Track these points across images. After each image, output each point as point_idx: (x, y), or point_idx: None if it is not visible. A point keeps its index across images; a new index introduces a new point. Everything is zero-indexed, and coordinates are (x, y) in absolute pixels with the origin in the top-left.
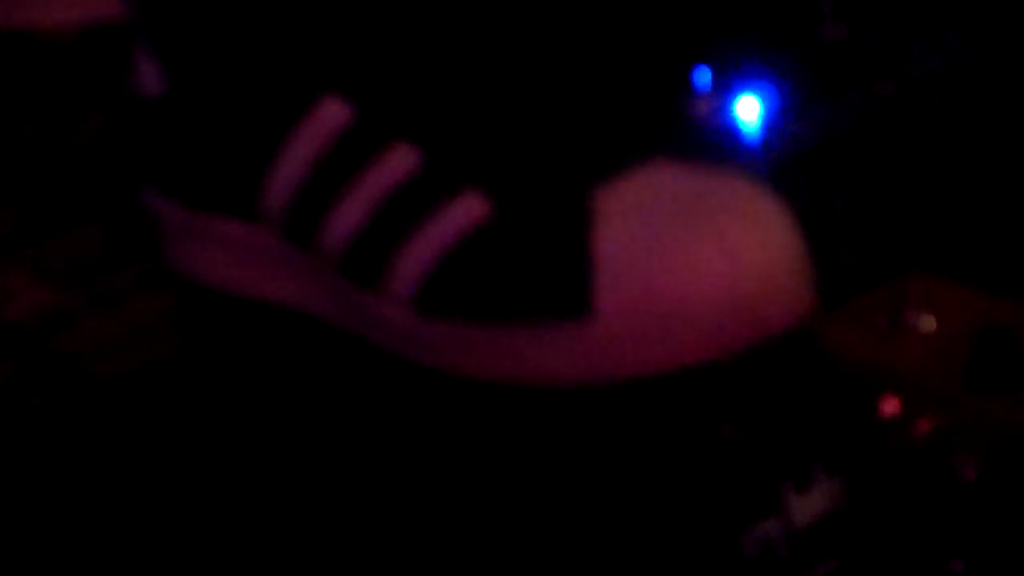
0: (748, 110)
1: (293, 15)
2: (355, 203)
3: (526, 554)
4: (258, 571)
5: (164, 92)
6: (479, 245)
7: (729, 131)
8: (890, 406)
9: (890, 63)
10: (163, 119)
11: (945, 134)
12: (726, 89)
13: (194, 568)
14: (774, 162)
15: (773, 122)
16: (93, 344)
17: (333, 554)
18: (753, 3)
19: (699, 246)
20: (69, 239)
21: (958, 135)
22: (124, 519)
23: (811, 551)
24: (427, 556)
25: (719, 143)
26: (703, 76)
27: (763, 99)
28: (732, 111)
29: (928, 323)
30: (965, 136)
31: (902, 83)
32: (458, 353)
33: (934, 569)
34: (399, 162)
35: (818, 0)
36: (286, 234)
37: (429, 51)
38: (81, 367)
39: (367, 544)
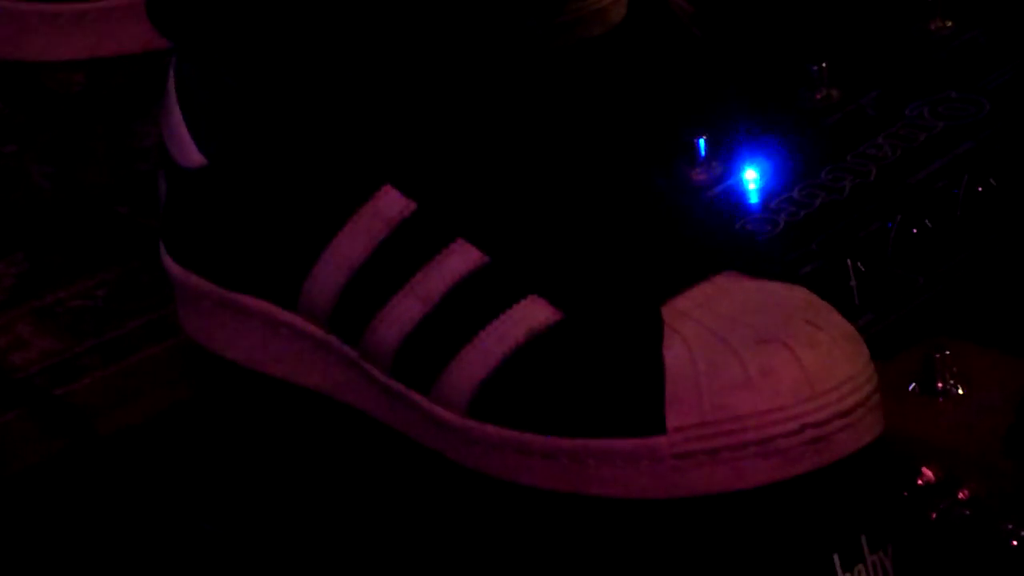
0: (747, 177)
1: (356, 99)
2: (411, 300)
3: None
4: None
5: (202, 165)
6: (542, 354)
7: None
8: (930, 475)
9: (885, 125)
10: (200, 193)
11: (951, 195)
12: (723, 157)
13: None
14: (779, 229)
15: (773, 188)
16: (100, 393)
17: None
18: (745, 69)
19: (774, 365)
20: (77, 287)
21: (966, 196)
22: (126, 570)
23: None
24: None
25: (778, 256)
26: (699, 144)
27: (761, 165)
28: (732, 179)
29: (959, 388)
30: (974, 196)
31: (902, 145)
32: (511, 460)
33: None
34: (460, 260)
35: (810, 64)
36: (331, 326)
37: (497, 151)
38: (88, 417)
39: None
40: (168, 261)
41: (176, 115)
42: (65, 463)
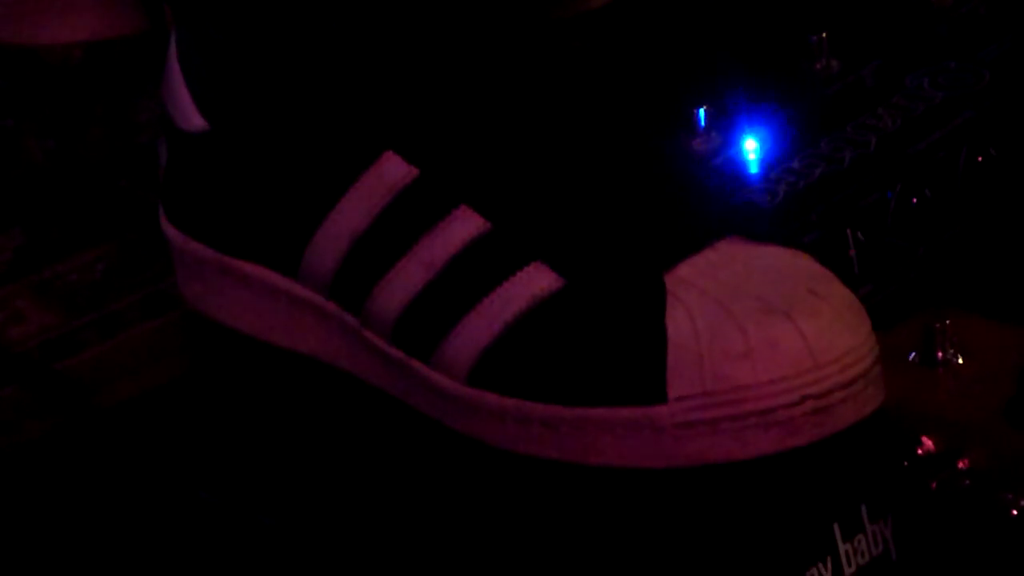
0: (748, 147)
1: (358, 65)
2: (414, 266)
3: None
4: None
5: (204, 129)
6: (545, 321)
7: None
8: (930, 445)
9: (885, 95)
10: (201, 157)
11: (951, 165)
12: (723, 127)
13: None
14: (779, 199)
15: (773, 158)
16: (99, 368)
17: None
18: (745, 39)
19: (776, 336)
20: (74, 262)
21: (967, 167)
22: (127, 544)
23: None
24: None
25: (782, 223)
26: (699, 114)
27: (761, 135)
28: (732, 149)
29: (959, 358)
30: (974, 166)
31: (901, 115)
32: (511, 429)
33: None
34: (463, 227)
35: (810, 34)
36: (332, 293)
37: (500, 118)
38: (86, 391)
39: None
40: (168, 227)
41: (178, 78)
42: (64, 437)
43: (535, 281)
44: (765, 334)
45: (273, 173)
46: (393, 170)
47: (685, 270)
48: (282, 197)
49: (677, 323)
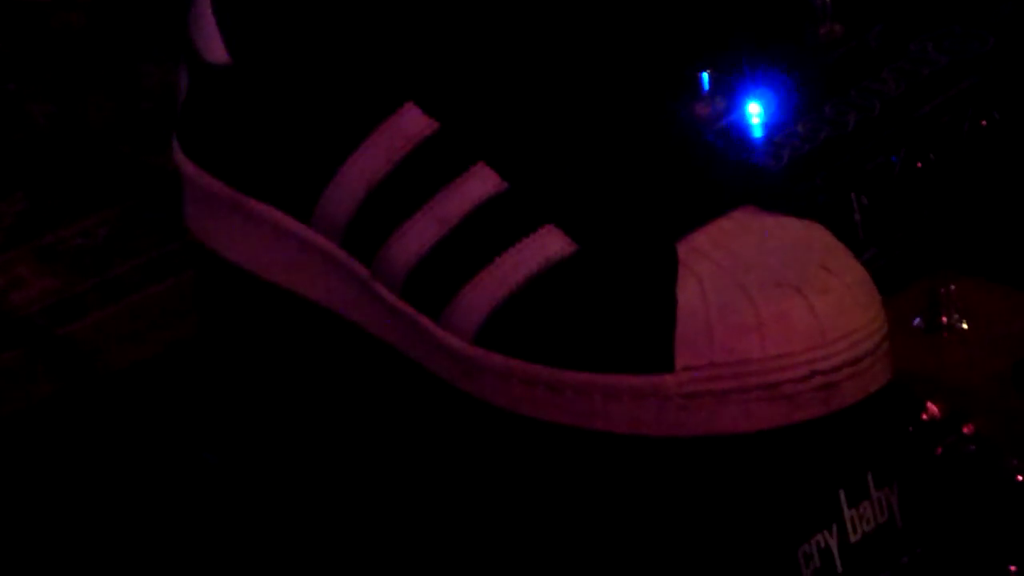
0: (751, 111)
1: (384, 14)
2: (428, 220)
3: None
4: (263, 564)
5: (227, 63)
6: (555, 285)
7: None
8: (935, 410)
9: (890, 60)
10: (222, 91)
11: (955, 129)
12: (727, 91)
13: (198, 559)
14: (783, 163)
15: (777, 122)
16: (101, 332)
17: (338, 551)
18: (749, 4)
19: (786, 310)
20: (77, 226)
21: (971, 131)
22: (131, 508)
23: (866, 563)
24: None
25: (794, 193)
26: (703, 79)
27: (765, 99)
28: (735, 113)
29: (964, 323)
30: (978, 131)
31: (906, 80)
32: (516, 391)
33: (990, 574)
34: (479, 185)
35: None
36: (345, 242)
37: (521, 79)
38: (89, 356)
39: (373, 541)
40: (181, 158)
41: (206, 8)
42: (67, 402)
43: (548, 244)
44: (775, 308)
45: (293, 114)
46: (413, 121)
47: (698, 239)
48: (300, 140)
49: (688, 293)
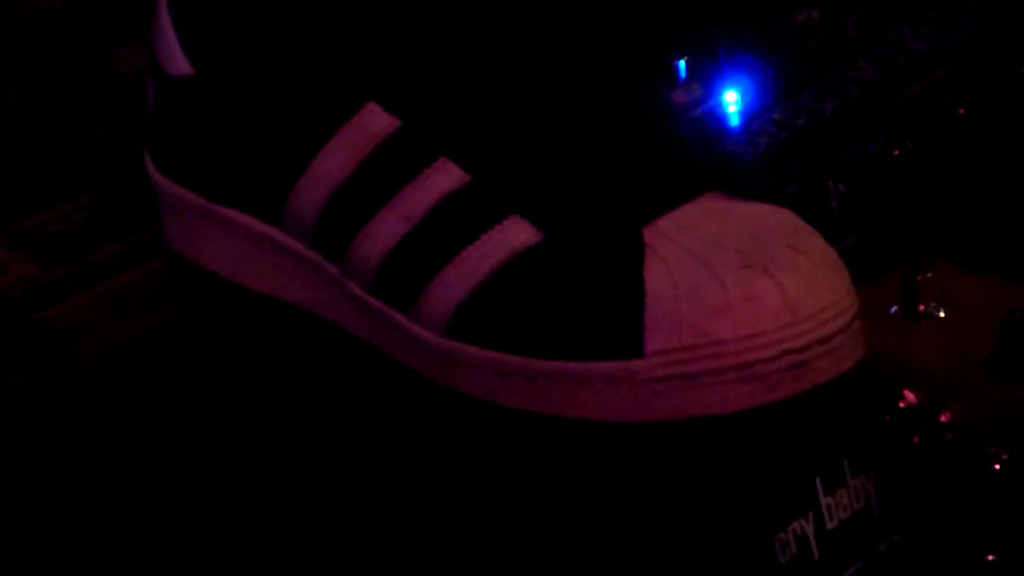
0: (728, 99)
1: (341, 16)
2: (393, 217)
3: (548, 556)
4: (247, 559)
5: (190, 74)
6: (523, 274)
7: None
8: (912, 398)
9: (867, 47)
10: (186, 102)
11: (937, 118)
12: (704, 78)
13: (178, 550)
14: (760, 151)
15: (754, 109)
16: (78, 318)
17: (327, 546)
18: None
19: (755, 290)
20: (54, 212)
21: (949, 118)
22: (105, 496)
23: (843, 551)
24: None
25: (763, 177)
26: (679, 66)
27: (742, 87)
28: (712, 100)
29: (941, 311)
30: (956, 118)
31: (883, 67)
32: (490, 382)
33: (967, 562)
34: (443, 179)
35: None
36: (314, 242)
37: (482, 70)
38: (66, 342)
39: (352, 536)
40: (153, 171)
41: (166, 22)
42: (43, 388)
43: (513, 234)
44: (743, 288)
45: (257, 120)
46: (375, 120)
47: (664, 224)
48: (265, 144)
49: (655, 277)
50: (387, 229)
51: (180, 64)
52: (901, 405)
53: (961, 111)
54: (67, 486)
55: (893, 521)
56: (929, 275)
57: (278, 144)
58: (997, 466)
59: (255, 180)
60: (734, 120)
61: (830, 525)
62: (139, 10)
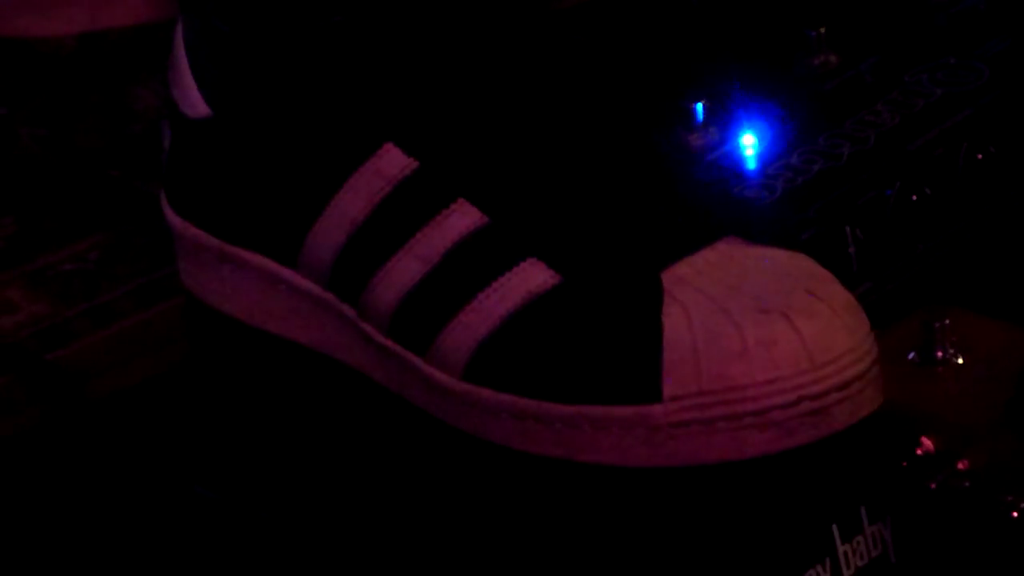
0: (745, 142)
1: (358, 57)
2: (411, 259)
3: None
4: None
5: (207, 116)
6: (540, 317)
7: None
8: (929, 445)
9: (884, 91)
10: (203, 144)
11: (950, 162)
12: (721, 122)
13: None
14: (777, 196)
15: (771, 153)
16: (91, 358)
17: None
18: (743, 34)
19: (773, 336)
20: (67, 251)
21: (967, 164)
22: (118, 537)
23: None
24: None
25: (781, 222)
26: (696, 109)
27: (759, 130)
28: (729, 144)
29: (959, 357)
30: (973, 163)
31: (900, 112)
32: (506, 425)
33: None
34: (460, 221)
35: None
36: (330, 284)
37: (499, 112)
38: (78, 381)
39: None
40: (169, 212)
41: (183, 64)
42: (56, 428)
43: (531, 277)
44: (762, 334)
45: (274, 162)
46: (392, 162)
47: (683, 269)
48: (282, 186)
49: (673, 322)
50: (404, 271)
51: (197, 105)
52: (918, 452)
53: (979, 156)
54: (80, 527)
55: (910, 568)
56: (946, 322)
57: (296, 185)
58: (1015, 514)
59: (272, 222)
60: (751, 164)
61: (847, 572)
62: (153, 50)
